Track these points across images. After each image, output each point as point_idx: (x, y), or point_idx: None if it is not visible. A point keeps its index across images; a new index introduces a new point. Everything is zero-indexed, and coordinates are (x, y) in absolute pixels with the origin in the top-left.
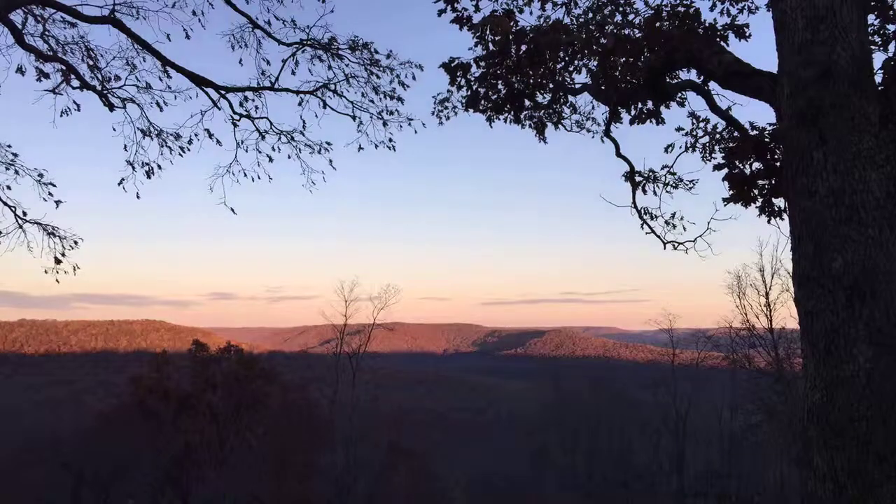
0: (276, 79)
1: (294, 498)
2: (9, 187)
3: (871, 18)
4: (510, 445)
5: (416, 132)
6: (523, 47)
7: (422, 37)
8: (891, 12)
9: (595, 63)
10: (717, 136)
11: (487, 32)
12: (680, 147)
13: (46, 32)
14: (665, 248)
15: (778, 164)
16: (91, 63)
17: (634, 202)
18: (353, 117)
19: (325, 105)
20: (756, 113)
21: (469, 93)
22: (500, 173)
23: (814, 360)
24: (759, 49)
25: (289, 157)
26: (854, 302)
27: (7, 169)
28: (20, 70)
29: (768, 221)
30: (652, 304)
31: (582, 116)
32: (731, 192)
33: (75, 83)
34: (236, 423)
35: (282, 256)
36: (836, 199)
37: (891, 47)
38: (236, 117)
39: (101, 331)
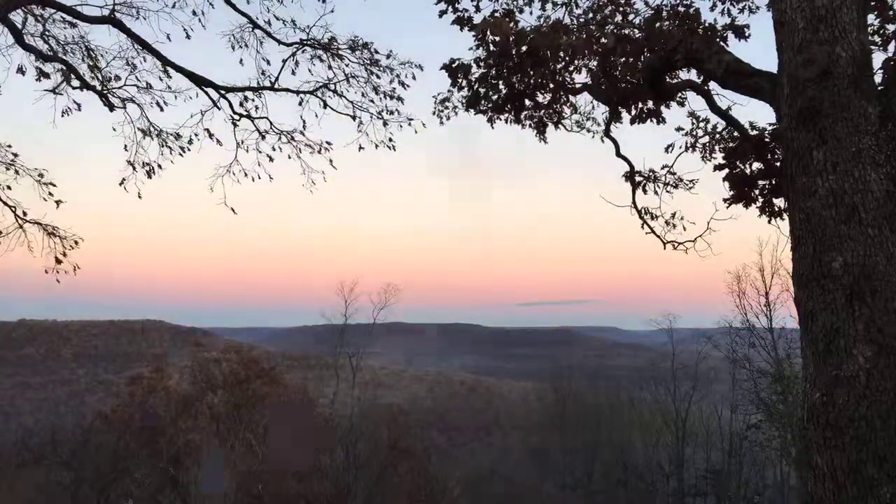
0: (276, 79)
1: (294, 498)
2: (9, 187)
3: (871, 18)
4: (510, 445)
5: (416, 132)
6: (524, 48)
7: (421, 36)
8: (891, 12)
9: (595, 63)
10: (717, 136)
11: (488, 33)
12: (680, 147)
13: (46, 32)
14: (665, 248)
15: (778, 164)
16: (91, 63)
17: (634, 202)
18: (353, 117)
19: (325, 105)
20: (756, 113)
21: (470, 93)
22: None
23: (814, 360)
24: (759, 49)
25: (289, 157)
26: (854, 302)
27: (7, 169)
28: (20, 70)
29: (768, 221)
30: (652, 304)
31: (582, 116)
32: (731, 192)
33: (75, 83)
34: (236, 423)
35: (282, 256)
36: (836, 199)
37: (891, 47)
38: (236, 117)
39: (101, 331)
